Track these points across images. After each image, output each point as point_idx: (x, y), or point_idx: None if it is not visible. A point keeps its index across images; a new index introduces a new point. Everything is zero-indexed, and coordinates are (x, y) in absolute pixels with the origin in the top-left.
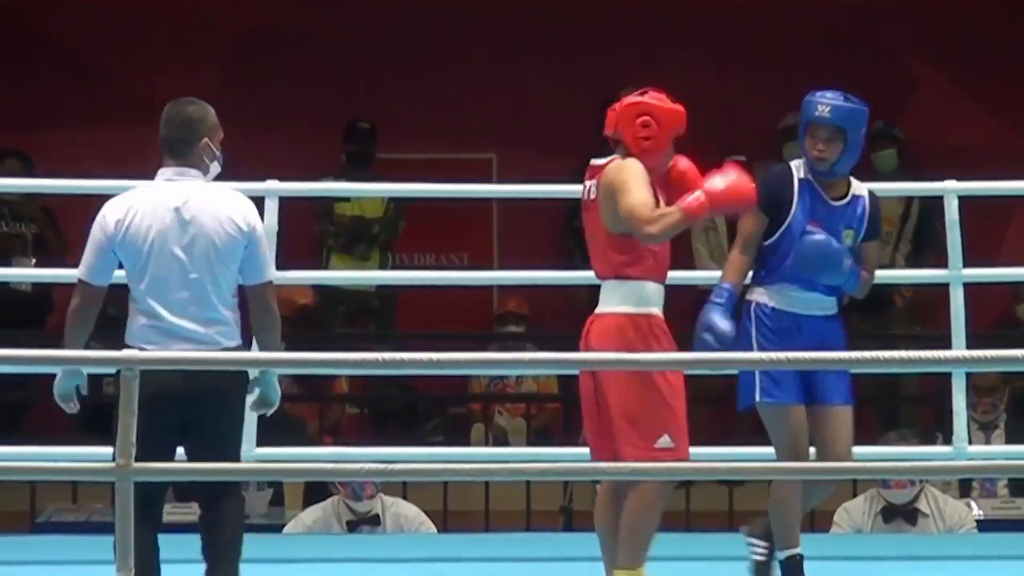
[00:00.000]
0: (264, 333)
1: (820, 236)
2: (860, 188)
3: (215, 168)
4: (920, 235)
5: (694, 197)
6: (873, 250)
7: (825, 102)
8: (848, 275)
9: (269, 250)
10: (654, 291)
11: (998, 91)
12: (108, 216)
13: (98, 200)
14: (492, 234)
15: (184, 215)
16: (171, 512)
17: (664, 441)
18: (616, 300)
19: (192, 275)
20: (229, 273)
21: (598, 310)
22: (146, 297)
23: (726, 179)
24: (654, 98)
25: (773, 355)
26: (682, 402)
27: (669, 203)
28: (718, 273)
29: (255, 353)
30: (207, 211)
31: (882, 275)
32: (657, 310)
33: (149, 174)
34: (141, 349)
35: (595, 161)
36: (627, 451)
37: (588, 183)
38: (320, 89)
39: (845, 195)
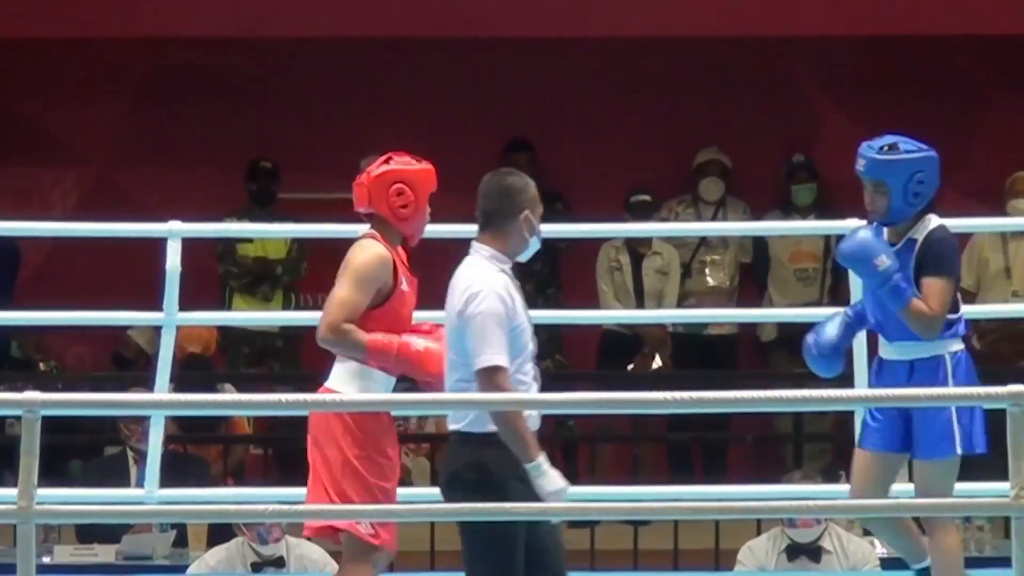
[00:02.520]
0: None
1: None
2: (920, 231)
3: (534, 244)
4: (838, 269)
5: (389, 340)
6: (930, 286)
7: (861, 155)
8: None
9: (486, 336)
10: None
11: (899, 128)
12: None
13: None
14: None
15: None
16: (74, 554)
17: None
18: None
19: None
20: (453, 352)
21: None
22: None
23: (427, 344)
24: (401, 163)
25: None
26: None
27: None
28: (623, 313)
29: (152, 395)
30: (450, 289)
31: (799, 312)
32: None
33: (52, 215)
34: None
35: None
36: None
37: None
38: (223, 129)
39: (902, 238)
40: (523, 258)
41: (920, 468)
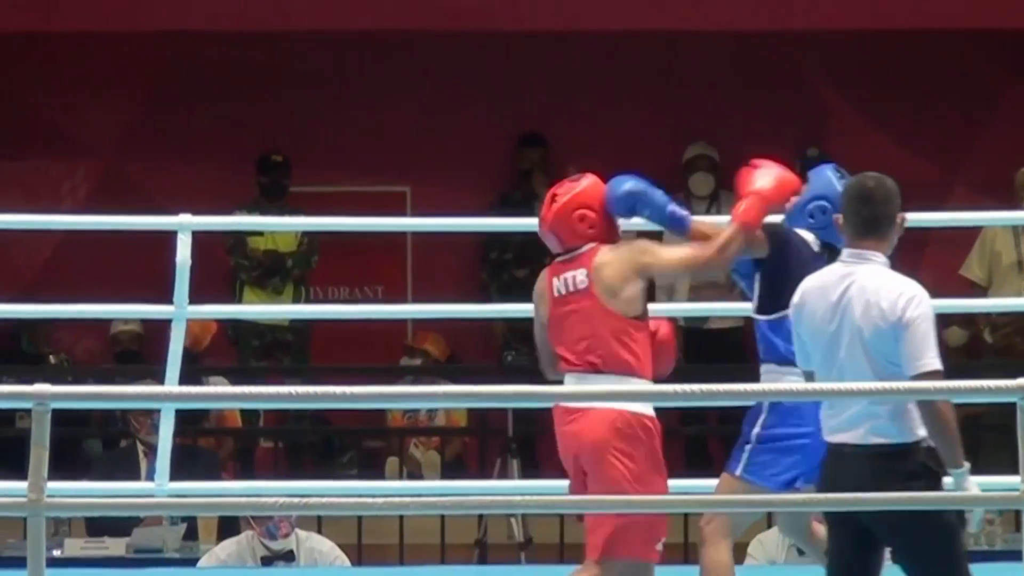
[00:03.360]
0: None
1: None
2: None
3: (892, 243)
4: None
5: (747, 205)
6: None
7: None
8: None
9: (928, 339)
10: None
11: (909, 122)
12: (793, 299)
13: (13, 234)
14: (406, 267)
15: (841, 305)
16: (84, 547)
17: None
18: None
19: (845, 362)
20: (877, 363)
21: (580, 405)
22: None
23: (769, 174)
24: (576, 185)
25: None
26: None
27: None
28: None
29: (162, 388)
30: (860, 304)
31: None
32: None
33: (61, 209)
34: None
35: (563, 257)
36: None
37: (564, 276)
38: (233, 122)
39: None
40: None
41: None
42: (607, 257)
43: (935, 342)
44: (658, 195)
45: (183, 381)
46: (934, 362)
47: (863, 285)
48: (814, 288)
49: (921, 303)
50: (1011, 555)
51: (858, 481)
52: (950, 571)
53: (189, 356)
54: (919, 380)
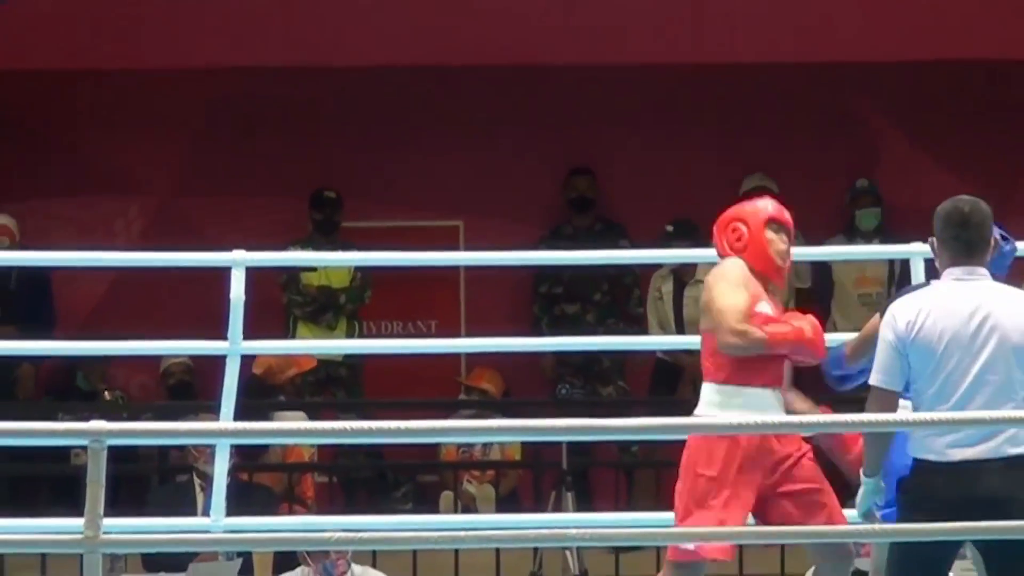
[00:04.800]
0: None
1: None
2: None
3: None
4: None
5: (788, 329)
6: None
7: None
8: None
9: None
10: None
11: (960, 150)
12: (899, 317)
13: (68, 272)
14: (459, 301)
15: (979, 316)
16: None
17: None
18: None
19: (989, 377)
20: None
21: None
22: (935, 403)
23: (815, 329)
24: (745, 204)
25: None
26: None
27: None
28: (665, 338)
29: (217, 424)
30: (1005, 312)
31: None
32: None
33: (115, 246)
34: (925, 458)
35: None
36: None
37: None
38: (286, 158)
39: None
40: None
41: None
42: (712, 272)
43: (883, 354)
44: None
45: (251, 414)
46: (875, 377)
47: (1000, 299)
48: (939, 307)
49: (886, 320)
50: None
51: (993, 494)
52: None
53: (261, 386)
54: None
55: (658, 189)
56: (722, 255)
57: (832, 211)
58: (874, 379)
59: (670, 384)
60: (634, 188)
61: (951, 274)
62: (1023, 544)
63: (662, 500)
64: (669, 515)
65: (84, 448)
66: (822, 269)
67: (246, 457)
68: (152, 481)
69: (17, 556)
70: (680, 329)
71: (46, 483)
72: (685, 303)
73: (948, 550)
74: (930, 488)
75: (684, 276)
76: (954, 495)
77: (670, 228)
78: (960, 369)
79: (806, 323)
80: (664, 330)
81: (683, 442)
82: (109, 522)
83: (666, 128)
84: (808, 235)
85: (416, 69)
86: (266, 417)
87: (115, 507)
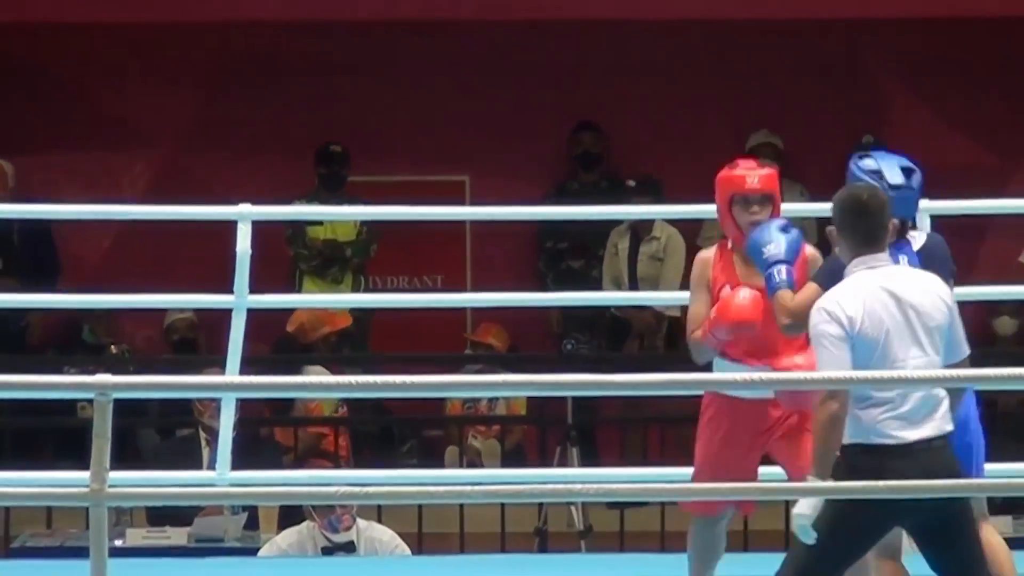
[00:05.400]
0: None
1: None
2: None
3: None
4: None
5: (713, 318)
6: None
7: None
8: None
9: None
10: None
11: (968, 109)
12: (843, 311)
13: (74, 224)
14: (465, 256)
15: (901, 302)
16: (146, 536)
17: None
18: None
19: (922, 360)
20: (941, 353)
21: None
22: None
23: (733, 300)
24: (721, 174)
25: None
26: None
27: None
28: (621, 294)
29: (223, 378)
30: (918, 295)
31: None
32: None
33: (121, 199)
34: (882, 442)
35: None
36: None
37: None
38: (292, 113)
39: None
40: None
41: None
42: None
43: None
44: (771, 250)
45: (280, 371)
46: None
47: (922, 275)
48: (872, 297)
49: (826, 317)
50: None
51: (946, 469)
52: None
53: (293, 345)
54: (967, 363)
55: (664, 144)
56: (774, 210)
57: (838, 168)
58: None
59: (619, 339)
60: (640, 144)
61: (862, 263)
62: (960, 526)
63: (666, 455)
64: (672, 470)
65: (90, 401)
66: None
67: (272, 411)
68: (149, 436)
69: (23, 509)
70: (634, 285)
71: (52, 436)
72: (640, 259)
73: (888, 526)
74: (890, 471)
75: (641, 232)
76: (914, 475)
77: (632, 183)
78: (900, 357)
79: (731, 299)
80: (618, 286)
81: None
82: (114, 475)
83: (673, 84)
84: (813, 192)
85: (423, 22)
86: (297, 373)
87: (116, 460)
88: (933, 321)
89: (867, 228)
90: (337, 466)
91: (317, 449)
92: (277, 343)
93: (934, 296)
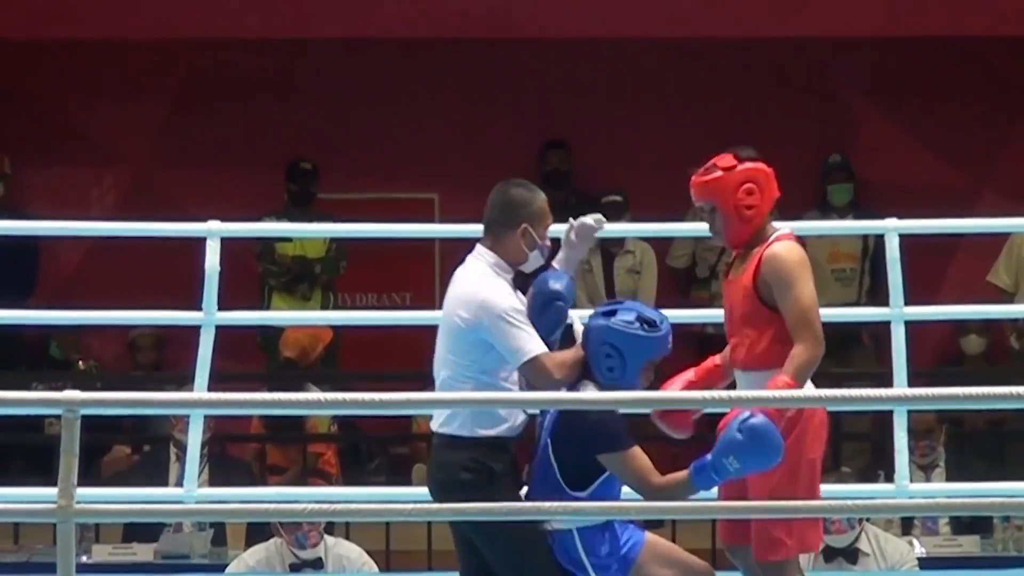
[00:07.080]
0: None
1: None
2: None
3: (535, 258)
4: (876, 270)
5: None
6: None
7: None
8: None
9: (511, 333)
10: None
11: (938, 128)
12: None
13: (42, 241)
14: (434, 274)
15: (449, 293)
16: (112, 552)
17: None
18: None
19: (447, 356)
20: (458, 356)
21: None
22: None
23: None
24: (752, 163)
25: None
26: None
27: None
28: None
29: (191, 394)
30: (453, 293)
31: (835, 313)
32: None
33: (90, 215)
34: (511, 436)
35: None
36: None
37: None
38: (262, 130)
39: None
40: (526, 269)
41: None
42: (779, 258)
43: (524, 330)
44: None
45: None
46: (526, 347)
47: (459, 280)
48: None
49: (494, 301)
50: None
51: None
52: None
53: (297, 370)
54: (525, 369)
55: (632, 161)
56: (727, 215)
57: (805, 186)
58: (542, 349)
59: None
60: (609, 162)
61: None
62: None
63: None
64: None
65: (58, 418)
66: None
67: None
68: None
69: None
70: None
71: (19, 452)
72: (616, 273)
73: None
74: (512, 462)
75: (612, 247)
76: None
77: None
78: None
79: None
80: (593, 303)
81: None
82: (83, 492)
83: (641, 102)
84: (782, 210)
85: (392, 40)
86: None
87: (84, 476)
88: (447, 319)
89: (484, 219)
90: (330, 484)
91: (314, 468)
92: (279, 370)
93: (460, 301)
